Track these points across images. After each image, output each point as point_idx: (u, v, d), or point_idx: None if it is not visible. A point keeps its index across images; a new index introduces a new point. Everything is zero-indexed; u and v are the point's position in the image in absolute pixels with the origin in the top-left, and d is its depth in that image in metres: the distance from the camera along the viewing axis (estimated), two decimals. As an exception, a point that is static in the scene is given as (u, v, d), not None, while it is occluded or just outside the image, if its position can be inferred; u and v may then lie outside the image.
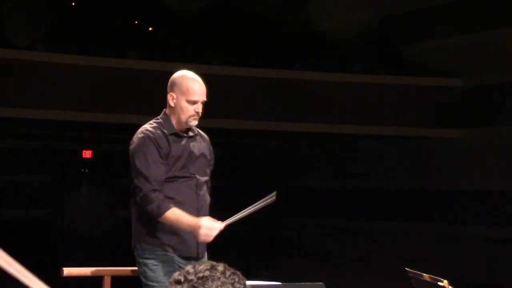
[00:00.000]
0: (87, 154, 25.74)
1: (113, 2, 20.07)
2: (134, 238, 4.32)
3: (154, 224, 4.23)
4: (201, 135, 4.51)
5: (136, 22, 21.11)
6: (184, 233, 4.22)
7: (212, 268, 2.05)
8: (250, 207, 4.20)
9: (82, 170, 26.39)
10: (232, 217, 4.20)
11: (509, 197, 16.02)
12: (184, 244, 4.23)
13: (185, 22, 18.67)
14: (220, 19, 18.95)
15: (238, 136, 19.71)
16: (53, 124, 16.74)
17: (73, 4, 21.36)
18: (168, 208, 4.12)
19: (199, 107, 4.32)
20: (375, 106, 17.03)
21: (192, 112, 4.30)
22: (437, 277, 3.35)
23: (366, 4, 18.15)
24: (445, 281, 3.29)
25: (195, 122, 4.35)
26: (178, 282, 2.03)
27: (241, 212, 4.20)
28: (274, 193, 4.22)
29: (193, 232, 4.11)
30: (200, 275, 2.03)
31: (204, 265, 2.06)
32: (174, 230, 4.22)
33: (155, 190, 4.15)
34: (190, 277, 2.03)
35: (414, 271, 3.56)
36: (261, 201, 4.21)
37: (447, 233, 16.93)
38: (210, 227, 4.11)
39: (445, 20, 17.66)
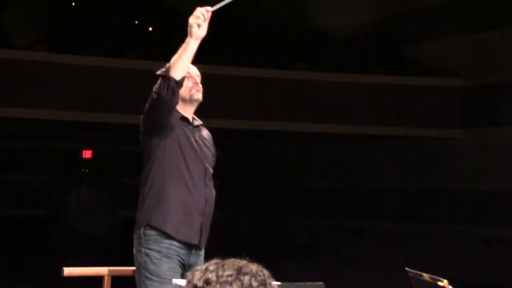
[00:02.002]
0: (87, 154, 25.76)
1: (113, 2, 20.09)
2: (139, 219, 4.28)
3: (162, 206, 4.22)
4: (205, 130, 4.53)
5: (136, 22, 21.13)
6: (190, 219, 4.21)
7: (236, 277, 1.81)
8: None
9: (82, 170, 26.41)
10: (218, 5, 4.15)
11: (509, 197, 16.02)
12: (190, 229, 4.21)
13: (185, 22, 18.65)
14: (219, 19, 18.93)
15: (239, 136, 19.72)
16: (53, 124, 16.75)
17: (73, 4, 21.38)
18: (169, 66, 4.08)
19: (196, 79, 4.34)
20: (375, 106, 17.04)
21: (191, 84, 4.33)
22: (437, 277, 3.35)
23: (366, 4, 18.16)
24: (445, 281, 3.29)
25: (199, 95, 4.35)
26: None
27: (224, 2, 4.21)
28: None
29: (190, 34, 4.06)
30: None
31: (228, 269, 1.82)
32: (181, 214, 4.21)
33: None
34: None
35: (414, 271, 3.56)
36: None
37: (447, 233, 16.93)
38: (194, 14, 4.10)
39: (445, 20, 17.68)
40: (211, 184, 4.37)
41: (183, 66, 4.07)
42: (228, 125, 16.31)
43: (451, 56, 17.51)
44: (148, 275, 4.19)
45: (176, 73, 4.05)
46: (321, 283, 3.30)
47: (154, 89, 4.10)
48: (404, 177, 18.40)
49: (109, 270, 4.39)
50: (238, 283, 1.80)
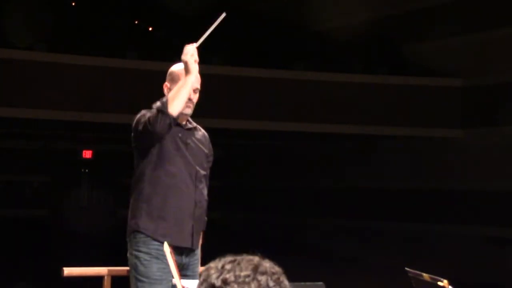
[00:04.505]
0: (87, 154, 25.75)
1: (114, 2, 20.09)
2: (130, 225, 4.33)
3: (150, 212, 4.26)
4: (200, 131, 4.53)
5: (136, 22, 21.13)
6: (180, 223, 4.25)
7: (254, 277, 1.81)
8: (208, 30, 4.32)
9: (82, 170, 26.41)
10: (200, 39, 4.27)
11: (509, 197, 16.02)
12: (180, 234, 4.25)
13: (185, 22, 18.68)
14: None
15: (239, 136, 19.72)
16: (53, 124, 16.75)
17: (73, 4, 21.38)
18: (166, 101, 4.15)
19: (191, 94, 4.34)
20: (375, 106, 17.03)
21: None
22: (437, 277, 3.35)
23: (366, 4, 18.16)
24: (445, 281, 3.29)
25: (189, 110, 4.36)
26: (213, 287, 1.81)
27: (204, 35, 4.30)
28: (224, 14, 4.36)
29: (187, 75, 4.15)
30: None
31: (245, 269, 1.82)
32: (170, 219, 4.25)
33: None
34: None
35: (414, 271, 3.56)
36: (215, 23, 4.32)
37: (447, 233, 16.93)
38: (188, 52, 4.16)
39: (445, 20, 17.67)
40: (201, 185, 4.38)
41: (181, 102, 4.17)
42: (228, 125, 16.30)
43: (451, 56, 17.50)
44: (139, 277, 4.24)
45: (175, 110, 4.14)
46: (321, 283, 3.30)
47: (149, 120, 4.16)
48: (404, 177, 18.39)
49: (109, 270, 4.40)
50: (256, 283, 1.81)
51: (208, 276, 1.84)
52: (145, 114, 4.21)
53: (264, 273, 1.83)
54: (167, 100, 4.13)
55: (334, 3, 18.25)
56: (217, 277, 1.82)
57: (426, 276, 3.44)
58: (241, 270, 1.82)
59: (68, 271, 4.37)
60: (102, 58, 15.77)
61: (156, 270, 4.21)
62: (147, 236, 4.24)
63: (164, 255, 4.23)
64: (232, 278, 1.80)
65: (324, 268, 12.01)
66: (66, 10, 20.15)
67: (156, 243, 4.23)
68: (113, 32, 18.59)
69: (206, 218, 4.56)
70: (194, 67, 4.16)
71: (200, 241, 4.48)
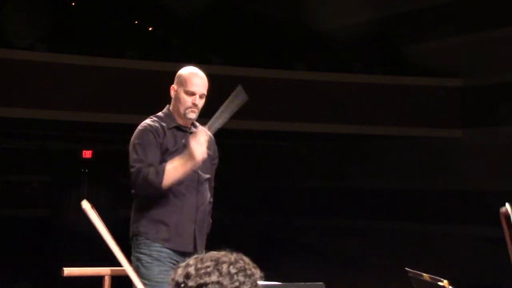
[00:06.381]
0: (87, 154, 25.73)
1: (113, 2, 20.07)
2: (132, 229, 4.35)
3: (151, 216, 4.26)
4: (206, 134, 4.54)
5: (136, 22, 21.12)
6: (181, 227, 4.25)
7: (215, 267, 1.85)
8: (222, 109, 4.25)
9: (82, 170, 26.38)
10: (214, 123, 4.21)
11: (509, 197, 15.99)
12: (181, 238, 4.25)
13: (185, 22, 18.67)
14: (220, 19, 18.94)
15: (238, 136, 19.70)
16: (53, 124, 16.74)
17: (73, 4, 21.37)
18: (164, 170, 4.11)
19: (196, 99, 4.34)
20: (375, 106, 17.03)
21: (189, 104, 4.34)
22: (437, 277, 3.35)
23: (366, 4, 18.15)
24: (445, 281, 3.29)
25: (193, 115, 4.37)
26: (177, 285, 1.85)
27: (218, 116, 4.23)
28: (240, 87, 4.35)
29: (190, 160, 4.09)
30: (201, 281, 1.82)
31: (207, 261, 1.86)
32: (171, 223, 4.24)
33: (151, 165, 4.16)
34: (190, 283, 1.83)
35: (414, 271, 3.56)
36: (231, 100, 4.28)
37: (447, 233, 16.92)
38: (198, 143, 4.10)
39: (445, 20, 17.67)
40: (203, 189, 4.38)
41: (175, 180, 4.13)
42: (228, 125, 16.28)
43: (451, 56, 17.49)
44: (140, 279, 4.23)
45: (168, 184, 4.11)
46: (321, 283, 3.30)
47: (138, 183, 4.14)
48: (404, 177, 18.38)
49: (109, 270, 4.40)
50: (217, 272, 1.85)
51: (175, 274, 1.89)
52: (140, 170, 4.13)
53: (225, 262, 1.87)
54: (164, 175, 4.07)
55: (334, 3, 18.24)
56: (180, 274, 1.86)
57: (426, 276, 3.44)
58: (202, 263, 1.87)
59: (68, 271, 4.37)
60: (102, 58, 15.76)
61: (158, 272, 4.21)
62: (148, 239, 4.25)
63: (165, 258, 4.24)
64: (193, 272, 1.85)
65: (324, 268, 12.00)
66: (66, 10, 20.13)
67: (158, 245, 4.24)
68: (113, 32, 18.58)
69: (211, 220, 4.56)
70: (200, 159, 4.09)
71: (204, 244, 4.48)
